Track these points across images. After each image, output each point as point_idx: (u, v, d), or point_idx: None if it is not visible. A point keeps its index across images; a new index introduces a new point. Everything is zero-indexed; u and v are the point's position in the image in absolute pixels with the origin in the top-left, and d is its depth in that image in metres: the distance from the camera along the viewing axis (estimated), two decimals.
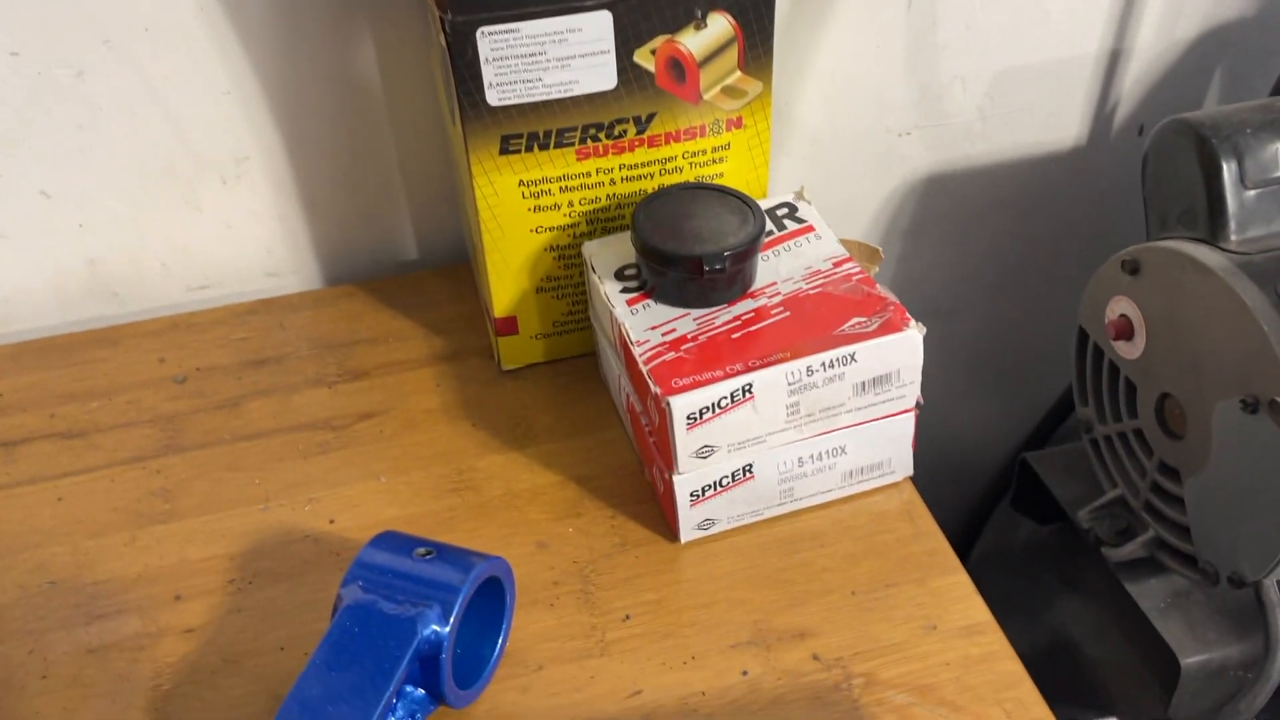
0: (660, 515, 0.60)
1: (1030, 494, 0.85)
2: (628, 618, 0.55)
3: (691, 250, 0.56)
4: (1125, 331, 0.67)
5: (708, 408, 0.53)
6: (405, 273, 0.78)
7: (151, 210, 0.72)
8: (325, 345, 0.71)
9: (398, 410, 0.67)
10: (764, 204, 0.64)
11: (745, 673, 0.52)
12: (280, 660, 0.54)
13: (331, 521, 0.60)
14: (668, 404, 0.52)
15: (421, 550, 0.50)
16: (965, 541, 1.02)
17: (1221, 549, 0.64)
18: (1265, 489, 0.58)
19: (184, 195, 0.72)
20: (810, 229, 0.62)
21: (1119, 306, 0.67)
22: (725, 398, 0.53)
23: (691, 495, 0.56)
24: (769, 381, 0.53)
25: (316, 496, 0.62)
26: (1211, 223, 0.62)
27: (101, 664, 0.53)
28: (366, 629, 0.47)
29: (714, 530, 0.58)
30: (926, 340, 0.55)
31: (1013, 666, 0.51)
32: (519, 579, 0.56)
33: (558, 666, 0.53)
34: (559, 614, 0.55)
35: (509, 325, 0.67)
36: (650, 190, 0.63)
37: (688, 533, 0.58)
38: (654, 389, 0.53)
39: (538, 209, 0.62)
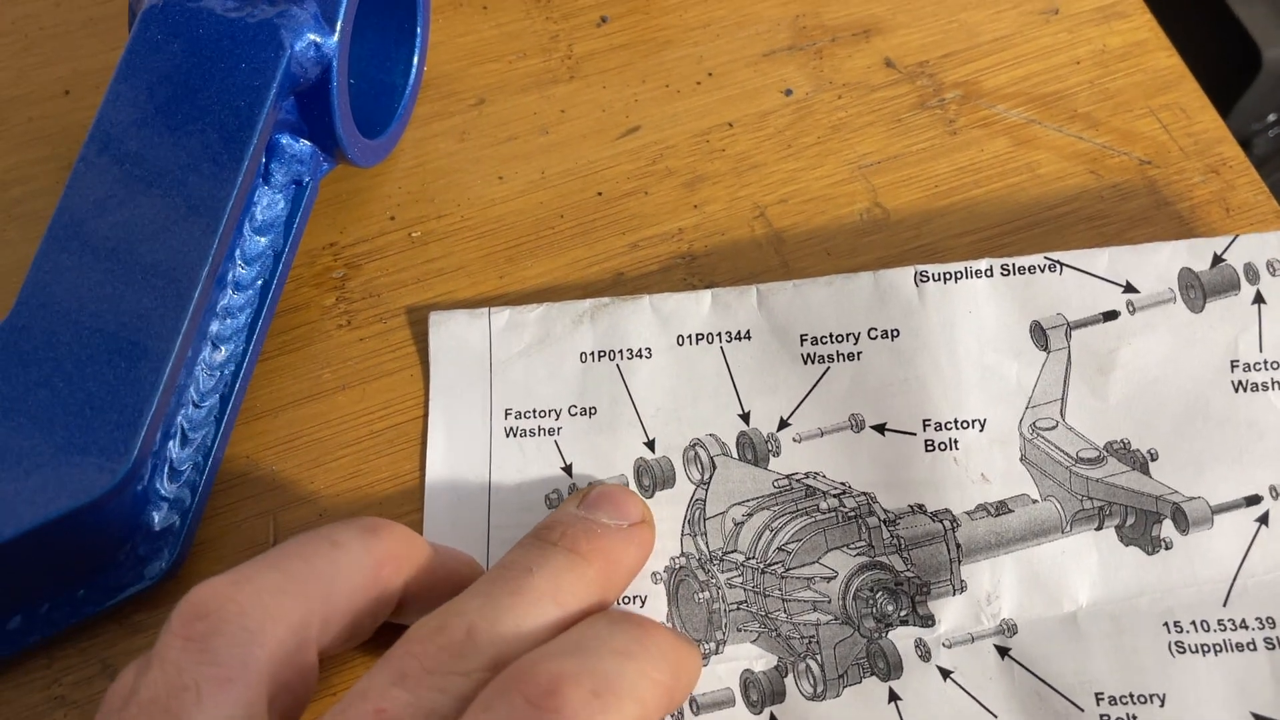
0: None
1: None
2: (604, 20, 0.36)
3: None
4: None
5: None
6: None
7: None
8: None
9: None
10: None
11: (789, 91, 0.35)
12: (67, 110, 0.35)
13: None
14: None
15: None
16: None
17: None
18: None
19: None
20: None
21: None
22: None
23: None
24: None
25: None
26: None
27: None
28: (196, 46, 0.28)
29: None
30: None
31: (1168, 60, 0.36)
32: None
33: (508, 98, 0.35)
34: (498, 19, 0.36)
35: None
36: None
37: None
38: None
39: None
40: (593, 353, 0.30)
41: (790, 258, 0.33)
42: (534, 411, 0.30)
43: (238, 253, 0.29)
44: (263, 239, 0.30)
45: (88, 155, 0.27)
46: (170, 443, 0.28)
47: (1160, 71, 0.36)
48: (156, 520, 0.27)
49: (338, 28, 0.28)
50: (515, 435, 0.30)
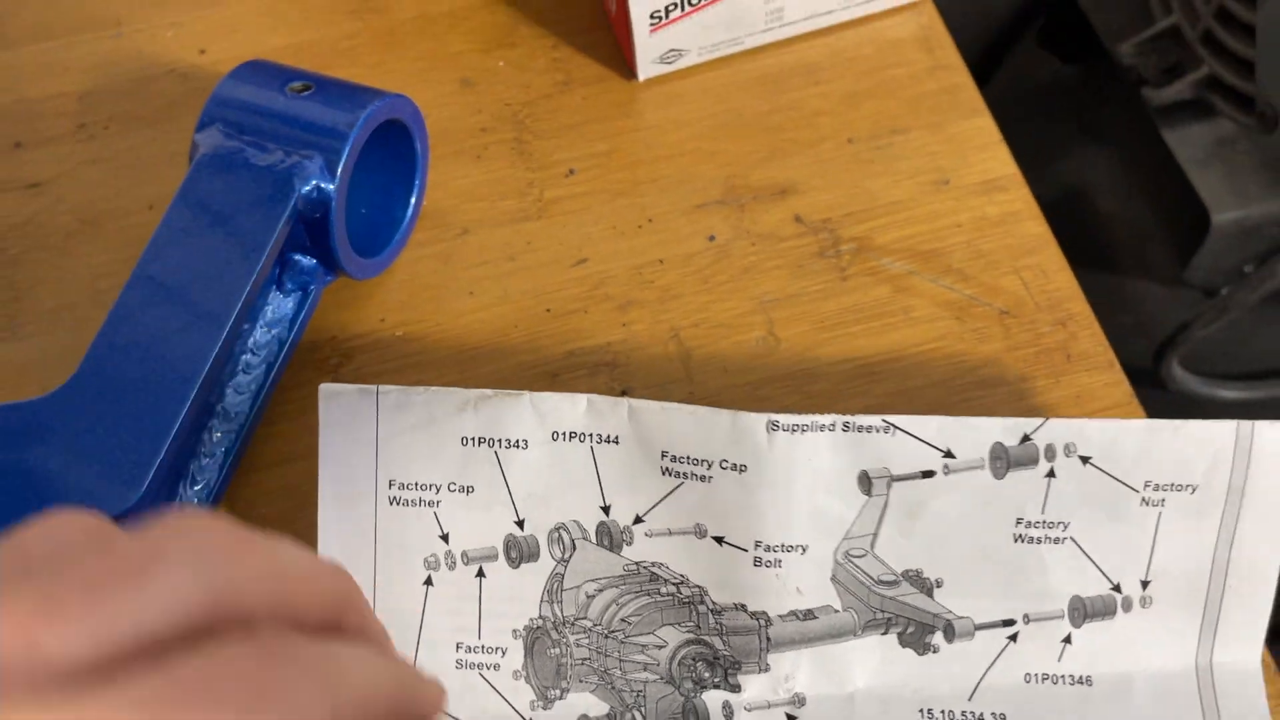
0: (614, 46, 0.48)
1: (1062, 26, 0.72)
2: (572, 172, 0.45)
3: None
4: None
5: None
6: None
7: None
8: None
9: None
10: None
11: (712, 238, 0.43)
12: (150, 221, 0.43)
13: (201, 52, 0.48)
14: None
15: (297, 85, 0.38)
16: (977, 80, 0.90)
17: None
18: None
19: None
20: None
21: None
22: None
23: (652, 17, 0.44)
24: None
25: (181, 20, 0.49)
26: None
27: None
28: (231, 185, 0.37)
29: (681, 64, 0.46)
30: None
31: (1036, 229, 0.42)
32: (438, 123, 0.45)
33: (487, 231, 0.44)
34: (488, 167, 0.45)
35: None
36: None
37: (648, 68, 0.46)
38: None
39: None
40: (474, 438, 0.34)
41: (694, 371, 0.40)
42: (416, 484, 0.34)
43: (250, 341, 0.38)
44: (271, 331, 0.38)
45: (145, 259, 0.36)
46: (182, 483, 0.36)
47: (1028, 237, 0.42)
48: None
49: (337, 176, 0.37)
50: (398, 504, 0.34)
